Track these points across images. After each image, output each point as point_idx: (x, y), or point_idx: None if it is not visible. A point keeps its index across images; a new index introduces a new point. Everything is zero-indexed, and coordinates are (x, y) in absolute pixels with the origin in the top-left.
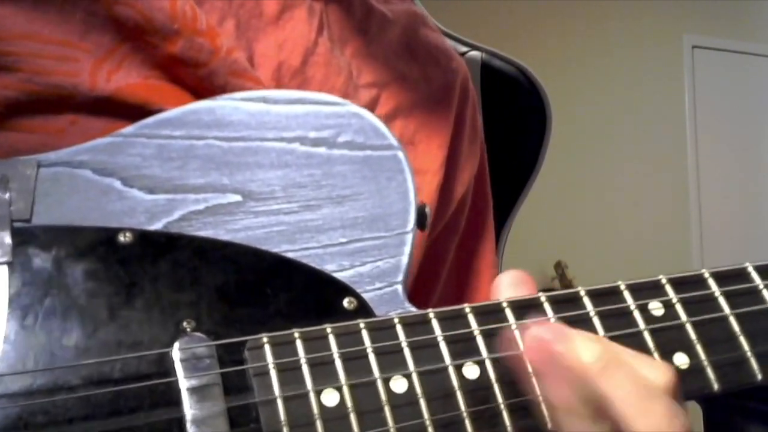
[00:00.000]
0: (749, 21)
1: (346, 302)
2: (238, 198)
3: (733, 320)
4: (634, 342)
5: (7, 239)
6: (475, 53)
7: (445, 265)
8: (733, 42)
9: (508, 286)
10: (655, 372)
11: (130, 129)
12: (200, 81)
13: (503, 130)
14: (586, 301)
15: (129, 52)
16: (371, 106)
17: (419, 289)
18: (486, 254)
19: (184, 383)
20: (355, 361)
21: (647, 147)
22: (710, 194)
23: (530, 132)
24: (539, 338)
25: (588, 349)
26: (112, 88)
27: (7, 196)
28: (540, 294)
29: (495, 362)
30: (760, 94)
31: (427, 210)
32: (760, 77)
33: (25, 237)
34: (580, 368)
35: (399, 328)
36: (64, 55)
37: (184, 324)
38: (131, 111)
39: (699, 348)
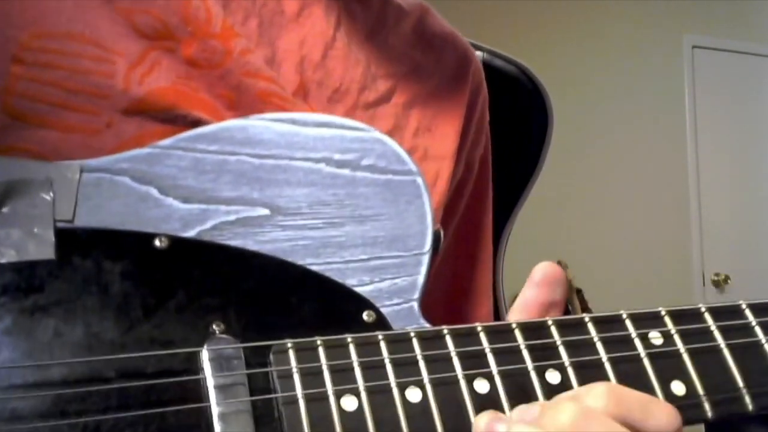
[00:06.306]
0: (749, 21)
1: (366, 315)
2: (266, 212)
3: (726, 352)
4: (635, 367)
5: (51, 237)
6: (476, 53)
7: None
8: (733, 42)
9: (536, 285)
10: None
11: (167, 141)
12: (216, 81)
13: (504, 130)
14: (590, 327)
15: (157, 58)
16: (389, 96)
17: None
18: (484, 241)
19: (212, 381)
20: (374, 370)
21: (647, 147)
22: (710, 194)
23: (531, 132)
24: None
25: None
26: (144, 91)
27: (50, 197)
28: (547, 318)
29: (504, 378)
30: (760, 94)
31: (442, 234)
32: (760, 77)
33: (67, 236)
34: None
35: (415, 342)
36: (101, 57)
37: (214, 326)
38: (161, 113)
39: (695, 377)
